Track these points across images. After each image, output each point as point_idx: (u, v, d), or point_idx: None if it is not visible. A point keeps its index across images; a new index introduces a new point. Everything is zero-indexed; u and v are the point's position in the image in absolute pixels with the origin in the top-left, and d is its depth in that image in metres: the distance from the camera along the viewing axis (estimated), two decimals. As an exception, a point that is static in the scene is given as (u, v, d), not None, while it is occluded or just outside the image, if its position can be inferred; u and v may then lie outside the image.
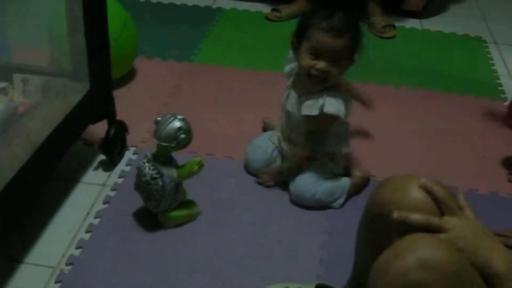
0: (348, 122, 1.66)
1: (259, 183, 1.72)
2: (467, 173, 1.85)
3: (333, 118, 1.57)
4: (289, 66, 1.70)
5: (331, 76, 1.54)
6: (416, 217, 0.95)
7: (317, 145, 1.65)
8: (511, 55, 2.65)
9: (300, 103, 1.60)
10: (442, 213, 0.97)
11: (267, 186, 1.72)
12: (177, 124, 1.46)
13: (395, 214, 0.96)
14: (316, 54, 1.52)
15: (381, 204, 1.04)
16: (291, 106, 1.65)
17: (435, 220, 0.95)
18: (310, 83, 1.56)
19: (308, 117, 1.58)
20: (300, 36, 1.56)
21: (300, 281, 1.40)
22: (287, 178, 1.68)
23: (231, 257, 1.48)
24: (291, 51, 1.64)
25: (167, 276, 1.42)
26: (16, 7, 1.64)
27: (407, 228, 0.94)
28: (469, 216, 0.98)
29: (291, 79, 1.68)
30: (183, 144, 1.47)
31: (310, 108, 1.57)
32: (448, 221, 0.95)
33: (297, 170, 1.66)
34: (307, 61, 1.53)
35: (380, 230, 1.04)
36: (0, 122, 1.47)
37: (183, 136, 1.46)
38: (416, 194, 0.99)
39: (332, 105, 1.55)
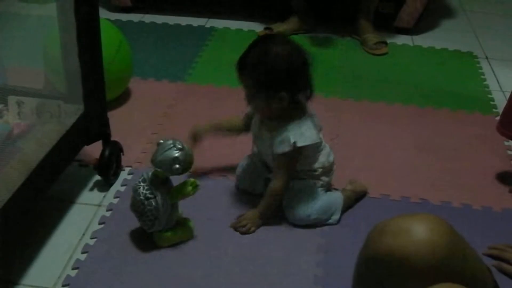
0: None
1: (242, 233, 1.61)
2: (460, 188, 1.86)
3: (309, 146, 1.56)
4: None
5: (262, 109, 1.59)
6: None
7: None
8: (502, 70, 2.68)
9: (271, 140, 1.59)
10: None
11: (250, 233, 1.62)
12: (174, 154, 1.45)
13: None
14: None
15: (385, 252, 0.99)
16: (265, 147, 1.64)
17: None
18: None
19: (282, 154, 1.56)
20: None
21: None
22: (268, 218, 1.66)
23: (226, 276, 1.48)
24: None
25: (163, 296, 1.42)
26: (10, 30, 1.65)
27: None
28: None
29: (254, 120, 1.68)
30: (177, 174, 1.47)
31: (281, 145, 1.55)
32: None
33: (276, 208, 1.65)
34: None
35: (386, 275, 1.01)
36: (-5, 144, 1.48)
37: (177, 166, 1.45)
38: (421, 235, 0.95)
39: (302, 136, 1.54)
